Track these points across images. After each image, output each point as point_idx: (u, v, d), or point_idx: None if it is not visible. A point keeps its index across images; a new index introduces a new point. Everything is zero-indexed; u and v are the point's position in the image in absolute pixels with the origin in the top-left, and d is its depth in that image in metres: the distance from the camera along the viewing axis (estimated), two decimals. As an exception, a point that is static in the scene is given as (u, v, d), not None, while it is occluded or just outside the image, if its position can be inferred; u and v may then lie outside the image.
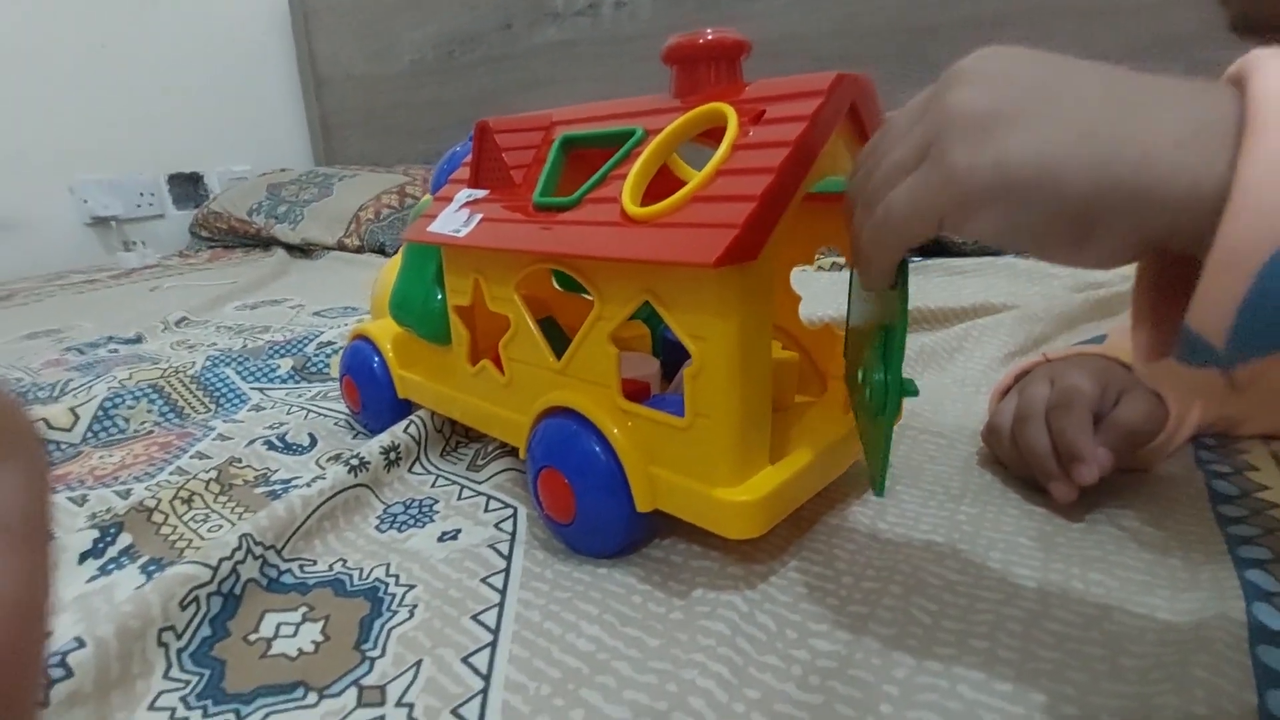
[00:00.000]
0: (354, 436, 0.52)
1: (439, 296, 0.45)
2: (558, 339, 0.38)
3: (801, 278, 0.40)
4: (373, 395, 0.50)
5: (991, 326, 0.63)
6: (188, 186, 1.74)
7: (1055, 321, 0.64)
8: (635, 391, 0.35)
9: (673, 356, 0.44)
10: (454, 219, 0.40)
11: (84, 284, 1.28)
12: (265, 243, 1.57)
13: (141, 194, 1.64)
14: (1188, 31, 0.92)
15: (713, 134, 0.32)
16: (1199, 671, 0.24)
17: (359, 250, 1.43)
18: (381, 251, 1.38)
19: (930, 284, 0.85)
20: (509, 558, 0.35)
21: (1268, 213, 0.16)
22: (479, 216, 0.39)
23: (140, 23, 1.59)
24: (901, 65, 1.31)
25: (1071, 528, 0.34)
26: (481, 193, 0.41)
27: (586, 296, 0.35)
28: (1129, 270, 0.22)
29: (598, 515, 0.33)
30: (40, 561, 0.11)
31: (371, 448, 0.43)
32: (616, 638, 0.29)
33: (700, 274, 0.28)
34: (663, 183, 0.34)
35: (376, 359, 0.50)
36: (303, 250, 1.50)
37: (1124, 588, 0.30)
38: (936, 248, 0.98)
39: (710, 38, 0.33)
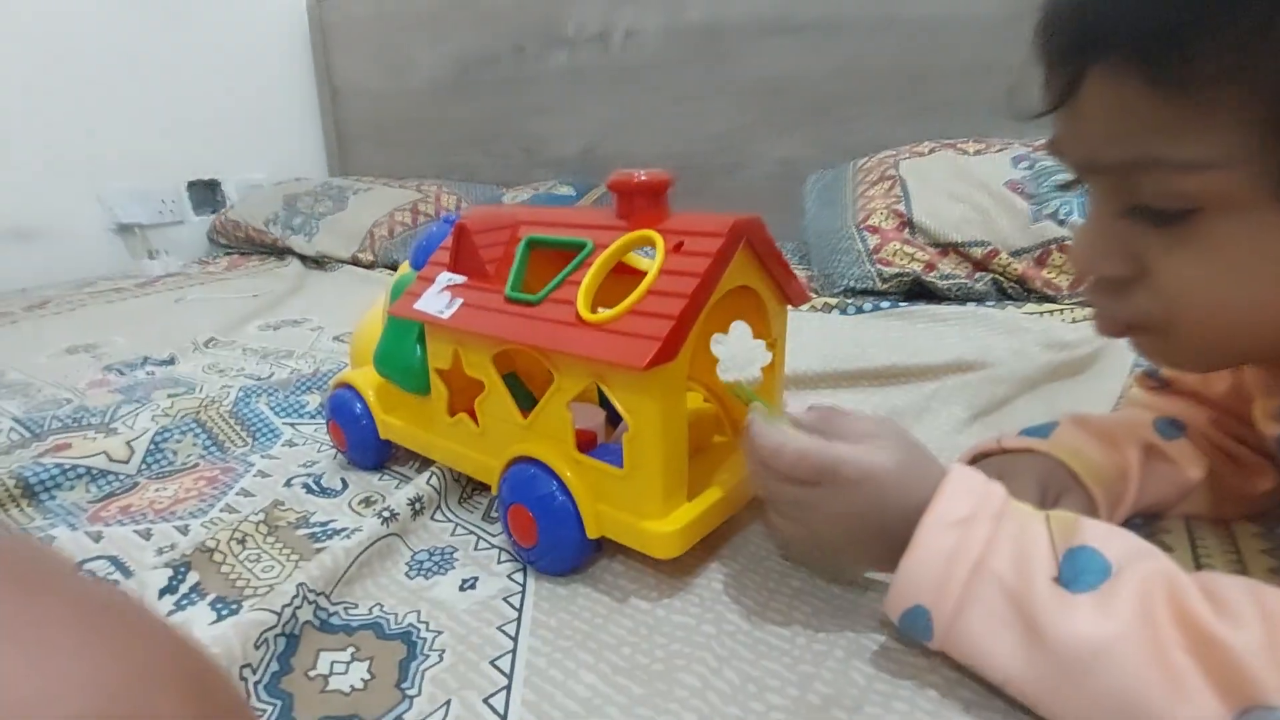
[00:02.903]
0: (379, 479, 0.58)
1: (419, 354, 0.53)
2: (520, 392, 0.46)
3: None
4: (356, 436, 0.58)
5: (959, 388, 0.69)
6: (206, 193, 1.80)
7: (1019, 384, 0.70)
8: (585, 440, 0.44)
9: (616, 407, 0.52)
10: (437, 300, 0.48)
11: (111, 292, 1.34)
12: (281, 252, 1.63)
13: (163, 201, 1.70)
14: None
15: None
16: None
17: (372, 265, 1.49)
18: (394, 268, 1.44)
19: (914, 329, 0.91)
20: (520, 609, 0.42)
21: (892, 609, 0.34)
22: (460, 301, 0.47)
23: (164, 35, 1.65)
24: (900, 105, 1.37)
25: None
26: (460, 278, 0.49)
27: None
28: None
29: (556, 541, 0.42)
30: None
31: (399, 499, 0.50)
32: (609, 685, 0.36)
33: (634, 371, 0.37)
34: (618, 268, 0.44)
35: (359, 405, 0.57)
36: (317, 261, 1.56)
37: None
38: (921, 291, 1.04)
39: (644, 178, 0.43)
